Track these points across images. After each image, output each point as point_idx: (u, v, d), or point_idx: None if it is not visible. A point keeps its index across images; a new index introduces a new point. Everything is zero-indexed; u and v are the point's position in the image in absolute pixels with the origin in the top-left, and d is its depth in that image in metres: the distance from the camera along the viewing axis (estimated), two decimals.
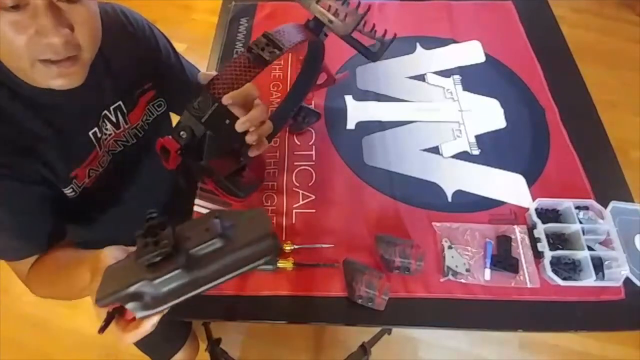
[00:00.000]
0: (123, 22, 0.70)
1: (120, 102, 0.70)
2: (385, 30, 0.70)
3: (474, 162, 0.87)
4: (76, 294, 0.58)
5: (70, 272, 0.58)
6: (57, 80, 0.53)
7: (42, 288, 0.65)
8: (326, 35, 0.71)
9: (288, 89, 0.99)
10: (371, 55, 0.72)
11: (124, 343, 0.45)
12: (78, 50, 0.53)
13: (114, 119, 0.69)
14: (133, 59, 0.71)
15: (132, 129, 0.73)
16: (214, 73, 0.56)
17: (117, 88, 0.68)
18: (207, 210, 0.81)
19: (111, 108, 0.69)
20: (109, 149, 0.71)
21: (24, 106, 0.58)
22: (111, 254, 0.49)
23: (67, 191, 0.66)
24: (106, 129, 0.69)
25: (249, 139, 0.58)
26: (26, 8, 0.48)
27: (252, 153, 0.61)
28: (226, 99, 0.54)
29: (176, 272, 0.41)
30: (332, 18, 0.66)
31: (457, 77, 1.00)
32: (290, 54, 0.64)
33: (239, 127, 0.56)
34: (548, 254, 0.72)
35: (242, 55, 0.56)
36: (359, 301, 0.70)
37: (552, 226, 0.76)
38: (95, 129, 0.67)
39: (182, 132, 0.54)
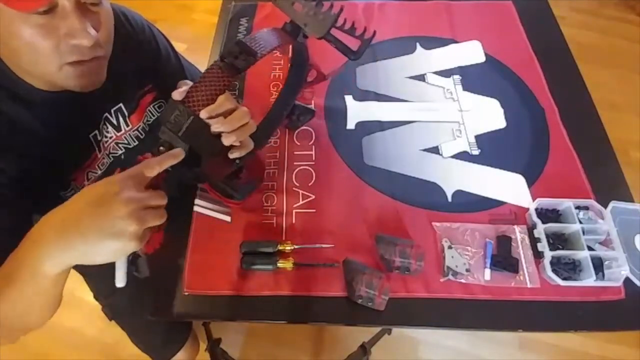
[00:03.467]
0: (123, 23, 0.70)
1: (121, 104, 0.69)
2: (365, 28, 0.69)
3: (473, 162, 0.87)
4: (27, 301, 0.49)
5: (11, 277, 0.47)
6: (82, 81, 0.54)
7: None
8: (305, 37, 0.70)
9: None
10: (351, 53, 0.72)
11: None
12: (101, 51, 0.54)
13: (114, 122, 0.69)
14: (133, 60, 0.71)
15: (134, 131, 0.73)
16: (188, 86, 0.56)
17: (117, 90, 0.68)
18: (207, 210, 0.81)
19: (112, 110, 0.69)
20: (109, 152, 0.71)
21: (24, 108, 0.58)
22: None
23: (68, 194, 0.66)
24: (107, 132, 0.69)
25: (225, 141, 0.57)
26: (54, 11, 0.48)
27: (232, 155, 0.60)
28: (203, 114, 0.54)
29: None
30: (307, 21, 0.66)
31: (457, 77, 1.00)
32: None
33: (213, 128, 0.56)
34: (548, 254, 0.72)
35: (214, 65, 0.55)
36: (359, 301, 0.70)
37: (552, 226, 0.76)
38: (96, 131, 0.67)
39: (161, 148, 0.54)
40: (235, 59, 0.56)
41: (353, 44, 0.71)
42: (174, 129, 0.53)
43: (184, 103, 0.53)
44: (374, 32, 0.69)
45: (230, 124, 0.57)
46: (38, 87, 0.57)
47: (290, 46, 0.76)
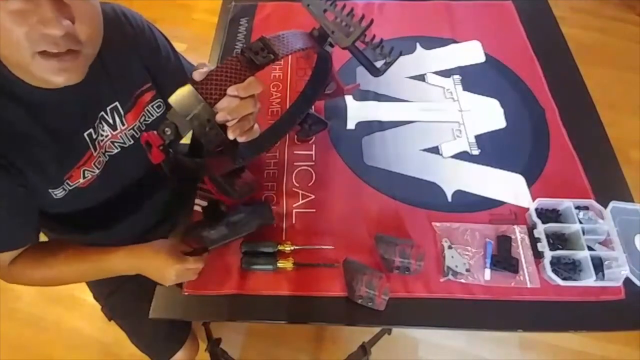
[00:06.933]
0: (123, 22, 0.70)
1: (117, 103, 0.69)
2: (392, 48, 0.69)
3: (474, 162, 0.87)
4: (75, 279, 0.75)
5: (90, 257, 0.71)
6: (57, 75, 0.53)
7: (31, 272, 0.69)
8: (332, 45, 0.70)
9: (288, 89, 0.99)
10: (374, 70, 0.72)
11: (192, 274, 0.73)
12: (79, 45, 0.53)
13: (110, 120, 0.69)
14: (131, 59, 0.70)
15: (129, 129, 0.72)
16: (209, 68, 0.55)
17: (114, 88, 0.68)
18: None
19: (108, 109, 0.68)
20: (105, 150, 0.70)
21: (18, 105, 0.58)
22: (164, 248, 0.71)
23: (57, 192, 0.66)
24: (103, 130, 0.68)
25: (231, 134, 0.57)
26: None
27: (236, 135, 0.58)
28: (231, 90, 0.54)
29: (222, 227, 0.73)
30: (335, 29, 0.66)
31: (457, 77, 1.00)
32: (290, 56, 0.64)
33: (219, 117, 0.55)
34: (548, 254, 0.72)
35: (234, 58, 0.55)
36: (359, 301, 0.70)
37: (552, 226, 0.76)
38: (91, 130, 0.66)
39: (166, 129, 0.54)
40: (256, 54, 0.55)
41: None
42: (183, 112, 0.53)
43: (197, 89, 0.53)
44: (400, 52, 0.69)
45: (237, 112, 0.56)
46: (33, 84, 0.57)
47: (315, 55, 0.76)
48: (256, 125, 0.61)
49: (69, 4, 0.51)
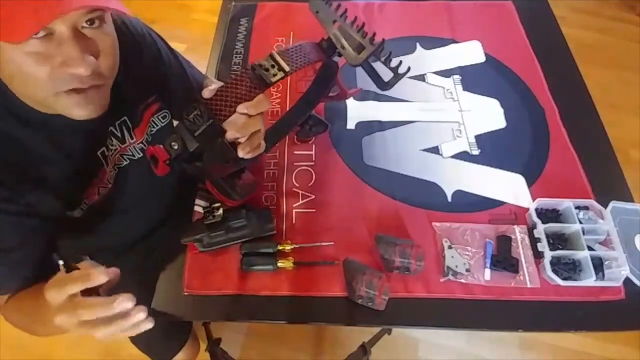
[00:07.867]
0: (124, 32, 0.68)
1: (126, 117, 0.68)
2: (400, 61, 0.68)
3: (473, 162, 0.87)
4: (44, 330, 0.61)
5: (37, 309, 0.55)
6: (82, 110, 0.52)
7: (15, 318, 0.64)
8: (340, 55, 0.69)
9: (288, 90, 0.99)
10: (382, 84, 0.71)
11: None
12: (102, 79, 0.52)
13: (119, 134, 0.68)
14: (136, 70, 0.69)
15: (138, 143, 0.72)
16: (217, 85, 0.55)
17: (121, 103, 0.67)
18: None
19: (116, 123, 0.68)
20: (115, 164, 0.70)
21: (34, 131, 0.57)
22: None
23: (75, 212, 0.65)
24: (112, 145, 0.68)
25: (241, 152, 0.57)
26: (50, 38, 0.46)
27: (246, 156, 0.59)
28: (241, 108, 0.54)
29: (221, 231, 0.73)
30: (345, 45, 0.65)
31: (457, 77, 1.00)
32: None
33: (229, 135, 0.56)
34: (548, 254, 0.72)
35: (244, 75, 0.55)
36: (359, 301, 0.70)
37: (552, 226, 0.76)
38: (103, 148, 0.66)
39: (173, 143, 0.53)
40: (266, 71, 0.56)
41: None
42: (191, 128, 0.53)
43: (207, 105, 0.53)
44: (409, 68, 0.68)
45: (246, 129, 0.56)
46: (44, 112, 0.56)
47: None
48: (262, 142, 0.61)
49: (92, 37, 0.49)
